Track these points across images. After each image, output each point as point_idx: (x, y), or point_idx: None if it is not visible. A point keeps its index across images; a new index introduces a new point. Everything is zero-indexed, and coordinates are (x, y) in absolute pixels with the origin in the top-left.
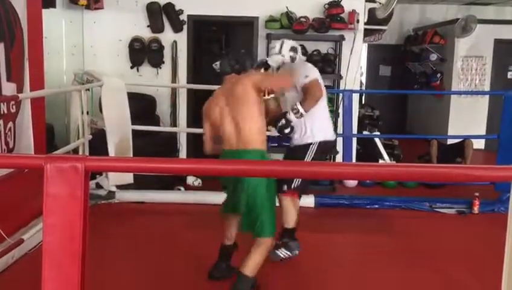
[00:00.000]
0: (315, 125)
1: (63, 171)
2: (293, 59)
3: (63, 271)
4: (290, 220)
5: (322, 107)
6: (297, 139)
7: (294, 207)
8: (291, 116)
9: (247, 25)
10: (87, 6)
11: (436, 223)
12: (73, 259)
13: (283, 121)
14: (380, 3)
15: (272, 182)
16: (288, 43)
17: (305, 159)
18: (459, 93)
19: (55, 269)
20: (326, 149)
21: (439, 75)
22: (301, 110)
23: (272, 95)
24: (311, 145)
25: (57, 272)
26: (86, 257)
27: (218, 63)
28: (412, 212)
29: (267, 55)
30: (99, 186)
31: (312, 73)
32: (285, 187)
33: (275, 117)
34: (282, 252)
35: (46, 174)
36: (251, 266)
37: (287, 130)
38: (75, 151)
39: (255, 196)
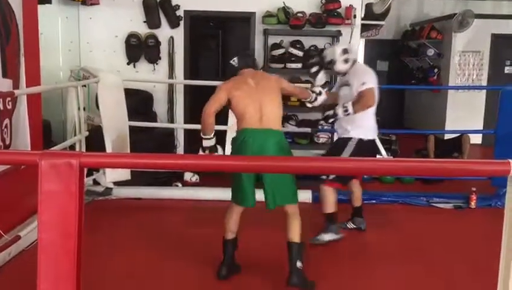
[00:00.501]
0: (355, 123)
1: (57, 168)
2: (346, 61)
3: (59, 267)
4: (327, 206)
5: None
6: (340, 133)
7: (332, 196)
8: (340, 112)
9: (244, 20)
10: (83, 2)
11: (433, 218)
12: (68, 255)
13: (331, 112)
14: None
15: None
16: (340, 47)
17: (342, 154)
18: (457, 88)
19: (51, 266)
20: (368, 148)
21: (436, 70)
22: (350, 110)
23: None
24: (350, 141)
25: (53, 268)
26: (82, 253)
27: (235, 59)
28: (410, 207)
29: (265, 50)
30: (96, 182)
31: (369, 80)
32: (324, 177)
33: (328, 107)
34: (327, 236)
35: (40, 170)
36: (298, 232)
37: (330, 120)
38: (72, 147)
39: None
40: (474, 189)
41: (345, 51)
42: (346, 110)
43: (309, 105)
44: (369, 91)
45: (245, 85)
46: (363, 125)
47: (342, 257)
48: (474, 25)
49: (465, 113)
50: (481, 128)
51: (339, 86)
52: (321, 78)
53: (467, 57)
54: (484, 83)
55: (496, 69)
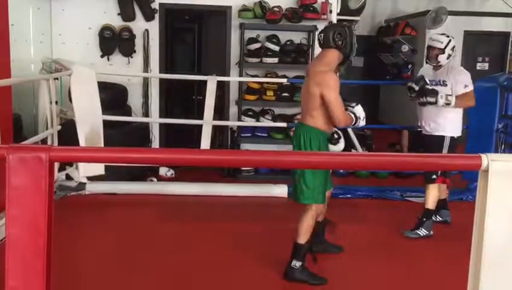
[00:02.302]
0: (447, 120)
1: (26, 162)
2: (449, 57)
3: (27, 264)
4: (430, 201)
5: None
6: (429, 129)
7: (439, 191)
8: (440, 101)
9: (220, 14)
10: None
11: (407, 212)
12: (37, 252)
13: (431, 98)
14: None
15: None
16: (453, 42)
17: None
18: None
19: (19, 262)
20: (456, 144)
21: (410, 66)
22: (453, 103)
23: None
24: (445, 139)
25: (21, 264)
26: (51, 249)
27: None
28: (384, 202)
29: (241, 44)
30: (69, 177)
31: (471, 83)
32: (434, 176)
33: (426, 89)
34: (422, 231)
35: (8, 165)
36: (301, 232)
37: (429, 99)
38: (44, 142)
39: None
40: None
41: (454, 49)
42: (449, 103)
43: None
44: (471, 94)
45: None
46: (455, 123)
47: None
48: (447, 22)
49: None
50: None
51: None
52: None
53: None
54: None
55: (468, 65)
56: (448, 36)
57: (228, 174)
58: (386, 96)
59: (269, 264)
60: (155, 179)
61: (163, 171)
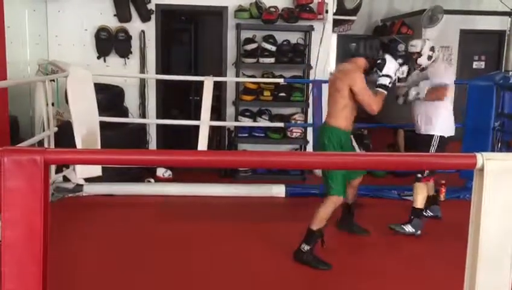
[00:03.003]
0: (439, 119)
1: (21, 164)
2: (430, 58)
3: (24, 266)
4: (418, 201)
5: (447, 104)
6: (422, 128)
7: (427, 190)
8: (412, 93)
9: (216, 14)
10: None
11: (404, 211)
12: (34, 254)
13: (405, 90)
14: None
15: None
16: (429, 43)
17: (430, 151)
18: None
19: (16, 265)
20: (446, 143)
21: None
22: (422, 94)
23: None
24: (434, 138)
25: (18, 267)
26: (48, 251)
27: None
28: (381, 201)
29: (238, 44)
30: (66, 179)
31: (448, 78)
32: (419, 175)
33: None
34: (408, 228)
35: (3, 167)
36: (316, 220)
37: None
38: (40, 143)
39: None
40: (443, 182)
41: (433, 49)
42: (417, 94)
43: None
44: (443, 89)
45: None
46: (445, 122)
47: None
48: (443, 21)
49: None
50: None
51: (415, 81)
52: (404, 70)
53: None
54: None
55: (465, 63)
56: (423, 40)
57: (226, 174)
58: None
59: (268, 263)
60: (152, 180)
61: (160, 172)
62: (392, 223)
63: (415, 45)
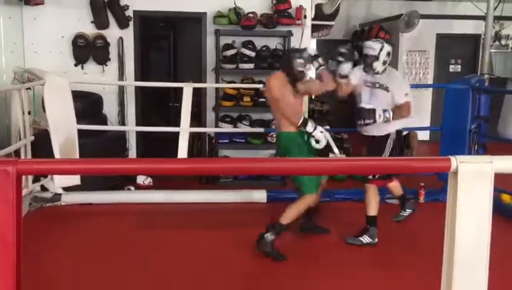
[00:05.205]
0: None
1: None
2: (385, 63)
3: None
4: (371, 208)
5: None
6: (375, 132)
7: (377, 198)
8: (379, 119)
9: (195, 20)
10: (27, 2)
11: (384, 214)
12: (6, 267)
13: (368, 119)
14: None
15: (309, 151)
16: (387, 48)
17: (384, 152)
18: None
19: None
20: (401, 138)
21: None
22: (390, 118)
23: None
24: (390, 135)
25: None
26: (21, 263)
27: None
28: (362, 204)
29: (217, 50)
30: (44, 188)
31: (410, 92)
32: (370, 177)
33: (362, 110)
34: (365, 239)
35: None
36: (287, 215)
37: (367, 121)
38: (17, 153)
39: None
40: (422, 184)
41: (389, 54)
42: (387, 120)
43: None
44: (408, 104)
45: None
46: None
47: (296, 254)
48: (420, 25)
49: (413, 111)
50: (428, 125)
51: (363, 83)
52: (347, 67)
53: (414, 56)
54: (430, 81)
55: (441, 67)
56: (382, 43)
57: (207, 181)
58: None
59: (250, 268)
60: (133, 188)
61: (141, 179)
62: (349, 237)
63: (374, 48)
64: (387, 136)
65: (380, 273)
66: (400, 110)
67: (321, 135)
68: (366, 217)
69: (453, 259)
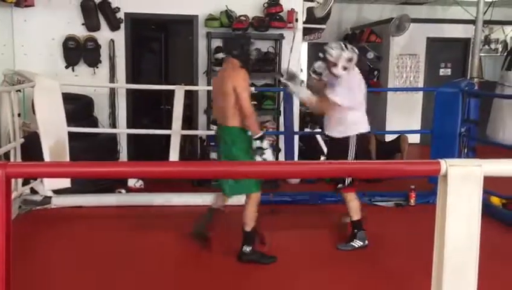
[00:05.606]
0: (347, 122)
1: None
2: (345, 69)
3: None
4: (353, 213)
5: (356, 108)
6: (336, 134)
7: (357, 201)
8: (293, 82)
9: (186, 23)
10: (17, 4)
11: (375, 216)
12: None
13: (287, 78)
14: (318, 2)
15: (250, 153)
16: (347, 54)
17: (348, 152)
18: (395, 90)
19: None
20: (366, 140)
21: (376, 72)
22: (297, 95)
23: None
24: (350, 138)
25: None
26: (10, 267)
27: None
28: None
29: (208, 53)
30: (34, 191)
31: (341, 95)
32: (340, 185)
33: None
34: (356, 243)
35: None
36: (246, 220)
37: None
38: (7, 155)
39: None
40: (413, 187)
41: (351, 60)
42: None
43: None
44: (333, 100)
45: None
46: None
47: (287, 257)
48: (410, 29)
49: (404, 114)
50: (419, 128)
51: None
52: (321, 65)
53: (405, 59)
54: (421, 84)
55: (432, 71)
56: (341, 49)
57: (198, 183)
58: None
59: (246, 271)
60: (124, 190)
61: (132, 182)
62: (340, 244)
63: (331, 55)
64: (347, 139)
65: (369, 275)
66: (322, 102)
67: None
68: (352, 223)
69: (442, 262)
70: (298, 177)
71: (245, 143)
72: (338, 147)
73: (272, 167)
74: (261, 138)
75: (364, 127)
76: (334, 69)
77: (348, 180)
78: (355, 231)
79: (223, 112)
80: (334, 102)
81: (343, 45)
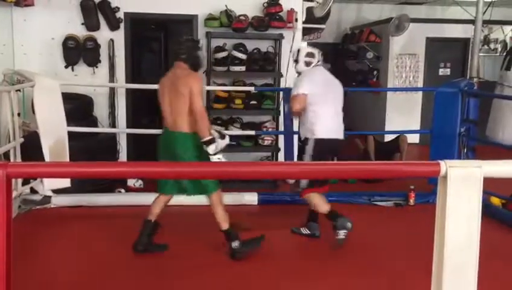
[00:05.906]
0: (307, 122)
1: None
2: (308, 64)
3: None
4: (319, 207)
5: (317, 107)
6: (300, 130)
7: (318, 197)
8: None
9: (186, 23)
10: (17, 3)
11: (375, 216)
12: None
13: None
14: (318, 2)
15: (203, 153)
16: (305, 50)
17: (304, 156)
18: (394, 90)
19: None
20: (328, 148)
21: (375, 72)
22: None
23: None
24: (308, 141)
25: None
26: (11, 268)
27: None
28: (353, 207)
29: (208, 53)
30: (34, 191)
31: (301, 88)
32: (298, 189)
33: None
34: (305, 230)
35: None
36: (219, 221)
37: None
38: (7, 155)
39: None
40: (412, 187)
41: (309, 55)
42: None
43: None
44: (293, 97)
45: None
46: (317, 125)
47: (287, 256)
48: (410, 29)
49: (403, 114)
50: (418, 128)
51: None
52: (301, 65)
53: (404, 59)
54: (420, 84)
55: (431, 71)
56: (300, 46)
57: None
58: (352, 102)
59: (245, 270)
60: (123, 190)
61: (131, 181)
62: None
63: (292, 53)
64: (305, 141)
65: (369, 275)
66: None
67: (216, 158)
68: (325, 215)
69: (442, 263)
70: (297, 177)
71: (197, 149)
72: (299, 149)
73: (272, 167)
74: (208, 142)
75: (325, 132)
76: (297, 66)
77: (303, 182)
78: (334, 222)
79: (173, 116)
80: (292, 96)
81: (306, 44)
